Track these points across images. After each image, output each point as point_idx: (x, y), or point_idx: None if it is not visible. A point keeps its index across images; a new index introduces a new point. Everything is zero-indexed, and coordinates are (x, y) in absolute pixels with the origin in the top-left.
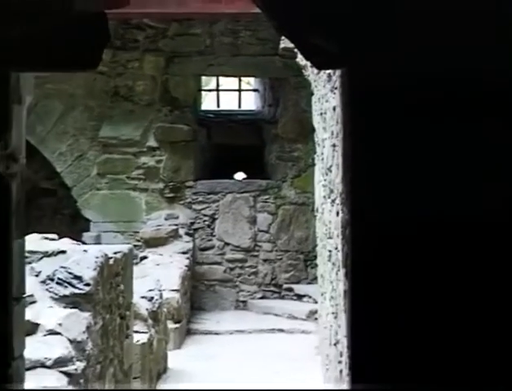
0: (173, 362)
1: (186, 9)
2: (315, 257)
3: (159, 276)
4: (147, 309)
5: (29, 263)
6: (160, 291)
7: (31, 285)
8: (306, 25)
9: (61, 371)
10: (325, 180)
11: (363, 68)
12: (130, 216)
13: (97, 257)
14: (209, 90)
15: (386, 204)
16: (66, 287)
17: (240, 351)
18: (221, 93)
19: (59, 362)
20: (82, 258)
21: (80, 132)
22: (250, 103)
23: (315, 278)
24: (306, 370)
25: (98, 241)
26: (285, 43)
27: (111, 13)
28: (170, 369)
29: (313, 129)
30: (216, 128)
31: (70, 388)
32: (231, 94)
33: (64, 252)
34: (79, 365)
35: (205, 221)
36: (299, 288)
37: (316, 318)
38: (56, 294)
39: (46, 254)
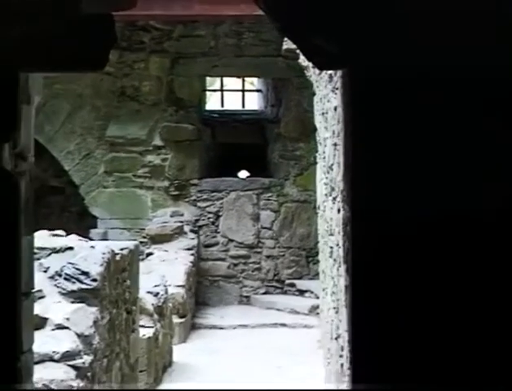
0: (178, 356)
1: (191, 11)
2: (317, 253)
3: (164, 272)
4: (152, 304)
5: (38, 259)
6: (165, 286)
7: (39, 280)
8: (307, 27)
9: (69, 365)
10: (327, 178)
11: (363, 68)
12: (136, 213)
13: (104, 253)
14: (214, 91)
15: (387, 202)
16: (74, 282)
17: (244, 345)
18: (225, 93)
19: (67, 356)
20: (89, 254)
21: (87, 131)
22: (254, 103)
23: (317, 274)
24: (308, 363)
25: (105, 238)
26: (288, 44)
27: (118, 15)
28: (175, 362)
29: (315, 129)
30: (220, 127)
31: (78, 381)
32: (234, 95)
33: (71, 248)
34: (86, 358)
35: (209, 218)
36: (301, 284)
37: (318, 313)
38: (64, 289)
39: (55, 250)
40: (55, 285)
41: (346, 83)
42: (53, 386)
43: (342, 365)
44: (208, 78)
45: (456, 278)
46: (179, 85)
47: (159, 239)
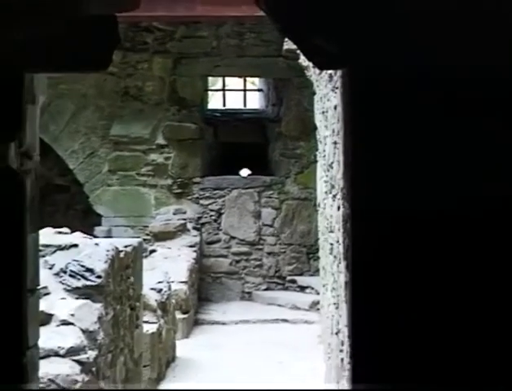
0: (181, 351)
1: (193, 12)
2: (318, 249)
3: (167, 269)
4: (156, 301)
5: (43, 256)
6: (168, 283)
7: (45, 277)
8: (308, 27)
9: (74, 360)
10: (327, 176)
11: (363, 68)
12: (139, 211)
13: (108, 251)
14: (216, 90)
15: (386, 201)
16: (78, 279)
17: (246, 340)
18: (227, 93)
19: (72, 351)
20: (94, 251)
21: (91, 130)
22: (255, 102)
23: (318, 271)
24: (308, 359)
25: (109, 235)
26: (288, 45)
27: (121, 16)
28: (179, 357)
29: (315, 128)
30: (222, 126)
31: (82, 376)
32: (236, 94)
33: (76, 245)
34: (91, 354)
35: (211, 215)
36: (302, 280)
37: (318, 309)
38: (69, 286)
39: (60, 248)
40: (60, 282)
41: (345, 83)
42: (58, 381)
43: (342, 360)
44: (210, 78)
45: (456, 278)
46: (182, 85)
47: (162, 236)
